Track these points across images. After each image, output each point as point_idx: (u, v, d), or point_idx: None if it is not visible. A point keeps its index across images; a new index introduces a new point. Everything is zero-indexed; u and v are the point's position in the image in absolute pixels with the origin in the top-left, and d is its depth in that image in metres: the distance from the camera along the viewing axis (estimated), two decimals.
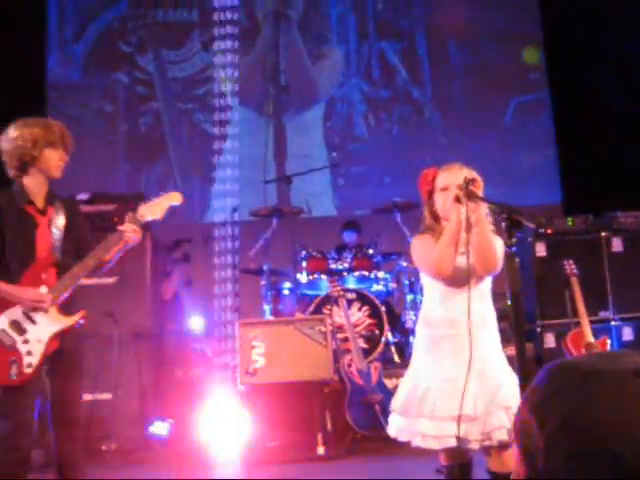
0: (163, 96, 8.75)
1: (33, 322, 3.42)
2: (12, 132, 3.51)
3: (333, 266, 6.04)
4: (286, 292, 6.21)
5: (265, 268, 6.04)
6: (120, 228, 3.51)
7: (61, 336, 3.47)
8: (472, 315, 3.04)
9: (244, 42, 8.76)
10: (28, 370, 3.37)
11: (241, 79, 8.63)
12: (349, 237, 6.64)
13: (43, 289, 3.44)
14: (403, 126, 8.82)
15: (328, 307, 5.71)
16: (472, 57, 8.90)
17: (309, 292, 6.14)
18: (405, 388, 3.20)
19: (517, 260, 2.51)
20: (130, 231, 3.48)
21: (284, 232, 6.23)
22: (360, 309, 5.81)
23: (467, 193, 2.99)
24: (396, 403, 3.19)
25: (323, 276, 6.07)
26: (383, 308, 5.82)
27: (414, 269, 6.10)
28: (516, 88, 8.81)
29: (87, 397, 4.74)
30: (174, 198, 3.65)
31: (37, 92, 7.91)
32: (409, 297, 6.14)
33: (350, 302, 5.75)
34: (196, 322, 6.38)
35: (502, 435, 2.96)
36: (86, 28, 8.73)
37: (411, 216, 6.20)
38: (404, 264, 6.17)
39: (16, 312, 3.41)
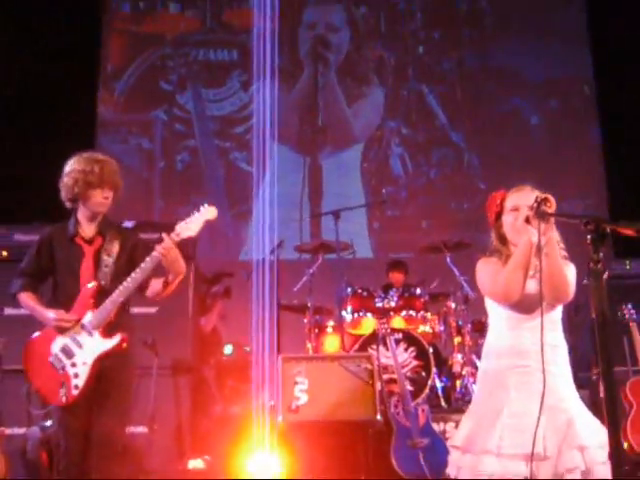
0: (201, 134, 8.75)
1: (80, 346, 3.55)
2: (66, 167, 3.71)
3: (379, 305, 5.86)
4: (330, 330, 6.02)
5: (309, 305, 5.87)
6: (156, 246, 3.55)
7: (105, 358, 3.54)
8: (543, 345, 2.84)
9: (285, 81, 8.77)
10: (75, 392, 3.51)
11: (280, 118, 8.63)
12: (396, 277, 6.46)
13: (89, 314, 3.56)
14: (441, 170, 8.72)
15: (373, 347, 5.51)
16: (513, 102, 8.80)
17: (353, 331, 5.95)
18: (468, 422, 2.99)
19: (604, 277, 2.29)
20: (160, 248, 3.50)
21: (326, 269, 6.09)
22: (406, 350, 5.60)
23: (539, 213, 2.82)
24: (457, 439, 2.97)
25: (369, 314, 5.88)
26: (431, 349, 5.60)
27: (462, 310, 5.93)
28: (562, 134, 8.65)
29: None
30: (209, 213, 3.64)
31: (85, 129, 7.91)
32: (457, 340, 5.91)
33: (396, 342, 5.54)
34: (228, 350, 6.22)
35: (575, 477, 2.72)
36: (129, 65, 8.79)
37: (460, 256, 6.05)
38: (452, 305, 5.96)
39: (66, 337, 3.56)
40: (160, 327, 5.32)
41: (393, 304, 5.88)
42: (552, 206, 2.85)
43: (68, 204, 3.70)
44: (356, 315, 5.92)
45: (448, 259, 5.97)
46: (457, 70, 8.89)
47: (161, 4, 8.94)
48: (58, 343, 3.55)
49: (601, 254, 2.27)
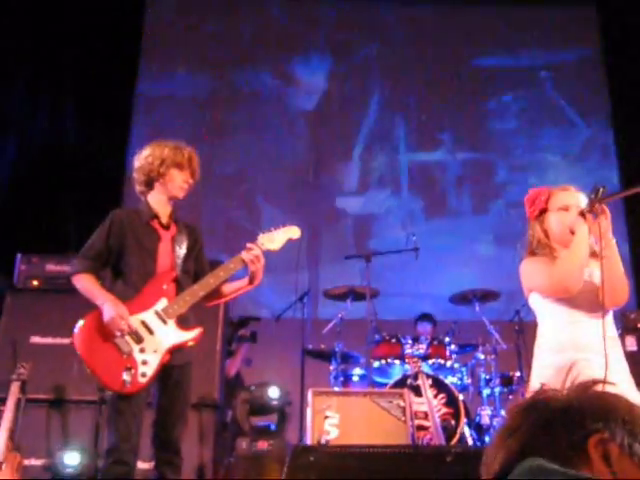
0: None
1: (151, 332, 3.39)
2: (145, 151, 3.71)
3: (408, 351, 5.78)
4: (356, 378, 5.92)
5: (337, 350, 5.78)
6: (242, 252, 3.53)
7: (176, 350, 3.43)
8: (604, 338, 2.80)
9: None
10: (142, 380, 3.32)
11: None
12: (423, 327, 6.41)
13: (163, 301, 3.45)
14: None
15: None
16: None
17: (380, 379, 5.85)
18: None
19: None
20: (250, 254, 3.50)
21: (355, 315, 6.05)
22: (436, 396, 5.48)
23: (599, 200, 2.85)
24: None
25: (396, 361, 5.80)
26: (461, 397, 5.49)
27: (492, 359, 5.83)
28: None
29: (143, 465, 4.49)
30: (293, 232, 3.69)
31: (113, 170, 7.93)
32: (485, 391, 5.79)
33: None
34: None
35: None
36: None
37: (488, 307, 6.02)
38: (481, 356, 5.88)
39: (135, 321, 3.38)
40: None
41: (422, 352, 5.79)
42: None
43: (141, 188, 3.66)
44: (383, 362, 5.84)
45: (477, 309, 5.93)
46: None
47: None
48: None
49: None
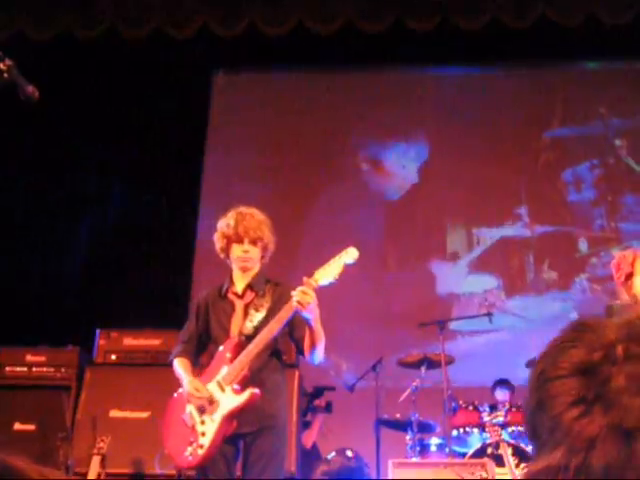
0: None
1: (211, 403, 3.40)
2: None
3: (487, 419, 5.62)
4: (433, 448, 5.77)
5: (413, 419, 5.67)
6: (292, 293, 3.33)
7: (235, 416, 3.36)
8: None
9: None
10: (199, 451, 3.31)
11: None
12: (502, 394, 6.25)
13: (224, 369, 3.45)
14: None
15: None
16: None
17: (459, 449, 5.70)
18: None
19: None
20: (298, 294, 3.27)
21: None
22: (517, 466, 5.30)
23: None
24: None
25: (475, 430, 5.66)
26: None
27: None
28: None
29: None
30: (350, 255, 3.35)
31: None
32: None
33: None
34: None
35: None
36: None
37: None
38: None
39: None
40: None
41: (501, 419, 5.63)
42: None
43: (223, 259, 3.74)
44: (461, 431, 5.70)
45: None
46: None
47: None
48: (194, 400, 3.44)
49: None
